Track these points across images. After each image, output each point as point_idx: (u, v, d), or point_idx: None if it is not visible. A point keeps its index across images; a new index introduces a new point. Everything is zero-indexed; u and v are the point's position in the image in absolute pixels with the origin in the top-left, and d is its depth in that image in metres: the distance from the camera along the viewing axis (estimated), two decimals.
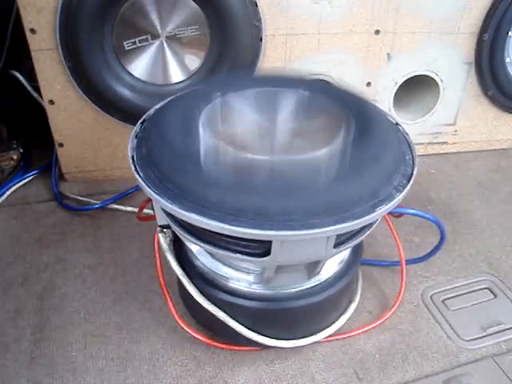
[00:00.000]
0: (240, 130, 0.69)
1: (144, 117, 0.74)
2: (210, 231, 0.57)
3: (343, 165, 0.61)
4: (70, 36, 0.95)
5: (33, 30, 0.95)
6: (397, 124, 0.76)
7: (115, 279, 0.90)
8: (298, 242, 0.58)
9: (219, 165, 0.61)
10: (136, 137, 0.70)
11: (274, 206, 0.56)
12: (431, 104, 1.21)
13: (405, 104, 1.22)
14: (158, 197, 0.59)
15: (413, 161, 0.69)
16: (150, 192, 0.60)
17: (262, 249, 0.60)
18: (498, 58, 1.14)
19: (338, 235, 0.59)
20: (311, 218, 0.56)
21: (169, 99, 0.77)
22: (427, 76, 1.16)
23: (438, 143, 1.28)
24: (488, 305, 0.87)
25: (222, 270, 0.73)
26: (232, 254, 0.62)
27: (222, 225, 0.55)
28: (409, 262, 0.91)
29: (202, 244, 0.64)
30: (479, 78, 1.18)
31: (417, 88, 1.21)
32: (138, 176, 0.62)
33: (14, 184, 1.12)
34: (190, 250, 0.75)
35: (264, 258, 0.61)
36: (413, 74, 1.15)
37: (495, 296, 0.88)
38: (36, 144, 1.23)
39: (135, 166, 0.64)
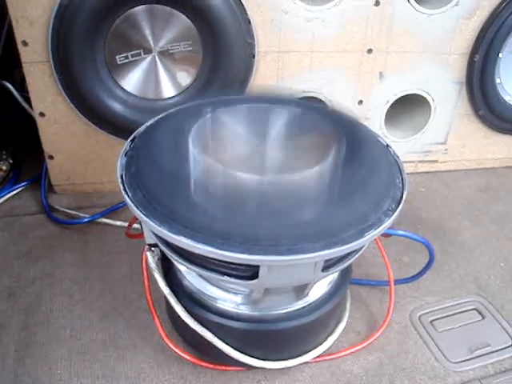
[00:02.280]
0: (230, 152, 0.69)
1: (134, 134, 0.74)
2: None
3: (332, 189, 0.61)
4: (62, 49, 0.95)
5: (25, 43, 0.94)
6: (387, 146, 0.76)
7: (103, 295, 0.89)
8: (286, 266, 0.58)
9: (208, 187, 0.61)
10: (125, 155, 0.69)
11: (263, 231, 0.56)
12: (422, 122, 1.22)
13: (396, 122, 1.22)
14: (146, 218, 0.58)
15: (402, 184, 0.69)
16: (138, 213, 0.60)
17: (250, 272, 0.60)
18: (489, 78, 1.15)
19: (326, 259, 0.59)
20: (299, 242, 0.56)
21: (159, 117, 0.77)
22: (419, 95, 1.17)
23: (428, 161, 1.28)
24: (476, 326, 0.87)
25: (210, 291, 0.72)
26: (220, 277, 0.62)
27: (209, 248, 0.55)
28: (397, 282, 0.91)
29: (189, 265, 0.63)
30: (470, 98, 1.19)
31: (408, 106, 1.22)
32: (126, 196, 0.62)
33: (3, 195, 1.11)
34: (178, 270, 0.75)
35: (252, 281, 0.60)
36: (404, 93, 1.16)
37: (483, 317, 0.88)
38: (26, 155, 1.22)
39: (124, 186, 0.64)
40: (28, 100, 1.07)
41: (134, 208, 0.60)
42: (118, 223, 1.04)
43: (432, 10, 1.06)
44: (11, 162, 1.18)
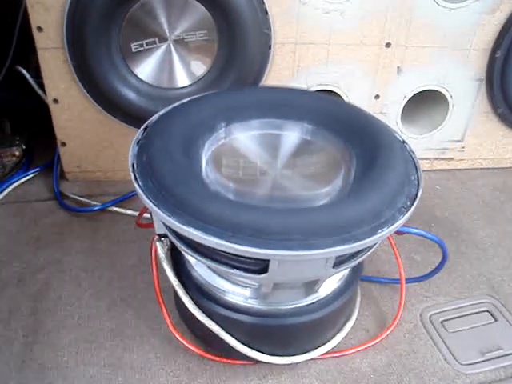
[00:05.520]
0: (243, 148, 0.68)
1: (146, 123, 0.73)
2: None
3: (346, 185, 0.60)
4: (77, 35, 0.94)
5: (40, 28, 0.94)
6: (403, 142, 0.75)
7: (111, 284, 0.89)
8: (297, 261, 0.57)
9: (220, 180, 0.60)
10: (137, 144, 0.69)
11: (274, 225, 0.55)
12: (439, 119, 1.19)
13: (413, 118, 1.20)
14: (156, 208, 0.58)
15: (418, 181, 0.67)
16: (148, 203, 0.59)
17: (260, 266, 0.59)
18: (510, 75, 1.12)
19: (337, 256, 0.58)
20: (311, 238, 0.55)
21: (172, 106, 0.76)
22: (437, 91, 1.15)
23: (444, 159, 1.26)
24: (488, 328, 0.85)
25: (219, 283, 0.72)
26: (229, 270, 0.61)
27: (219, 241, 0.54)
28: (409, 280, 0.90)
29: (199, 257, 0.63)
30: (489, 95, 1.17)
31: (425, 103, 1.19)
32: (136, 185, 0.61)
33: (15, 181, 1.12)
34: (188, 261, 0.74)
35: (261, 276, 0.59)
36: (422, 89, 1.14)
37: (495, 319, 0.86)
38: (39, 141, 1.22)
39: (135, 175, 0.63)
40: (42, 86, 1.06)
41: (145, 197, 0.60)
42: (129, 212, 1.04)
43: (454, 4, 1.03)
44: (24, 147, 1.18)
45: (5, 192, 1.09)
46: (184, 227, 0.55)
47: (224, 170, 0.63)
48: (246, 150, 0.71)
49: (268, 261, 0.56)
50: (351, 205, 0.58)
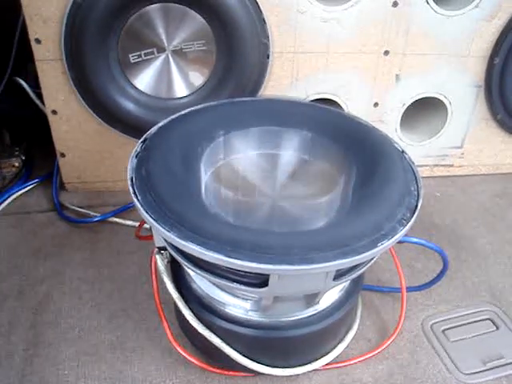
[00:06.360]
0: (242, 167, 0.68)
1: (145, 136, 0.73)
2: None
3: (345, 197, 0.60)
4: (75, 47, 0.94)
5: (38, 40, 0.94)
6: (403, 152, 0.75)
7: (111, 295, 0.89)
8: (297, 275, 0.57)
9: (219, 194, 0.60)
10: (136, 157, 0.69)
11: (273, 239, 0.55)
12: (439, 126, 1.19)
13: (412, 125, 1.20)
14: (155, 223, 0.58)
15: (418, 192, 0.67)
16: (147, 217, 0.59)
17: (260, 280, 0.59)
18: (508, 81, 1.12)
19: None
20: (311, 252, 0.54)
21: (171, 118, 0.76)
22: (435, 98, 1.15)
23: (444, 166, 1.26)
24: (489, 337, 0.85)
25: (219, 296, 0.71)
26: (229, 284, 0.61)
27: (219, 256, 0.54)
28: (410, 289, 0.90)
29: (198, 271, 0.63)
30: (488, 102, 1.17)
31: (425, 109, 1.19)
32: (135, 199, 0.61)
33: (15, 192, 1.12)
34: (188, 273, 0.74)
35: (261, 289, 0.59)
36: (421, 96, 1.14)
37: (497, 328, 0.86)
38: (38, 152, 1.23)
39: (133, 189, 0.63)
40: (41, 97, 1.06)
41: (143, 212, 0.60)
42: (129, 222, 1.04)
43: (451, 11, 1.04)
44: (23, 158, 1.18)
45: (4, 203, 1.09)
46: (183, 242, 0.55)
47: (223, 190, 0.63)
48: (245, 169, 0.71)
49: (268, 275, 0.56)
50: (351, 218, 0.58)
